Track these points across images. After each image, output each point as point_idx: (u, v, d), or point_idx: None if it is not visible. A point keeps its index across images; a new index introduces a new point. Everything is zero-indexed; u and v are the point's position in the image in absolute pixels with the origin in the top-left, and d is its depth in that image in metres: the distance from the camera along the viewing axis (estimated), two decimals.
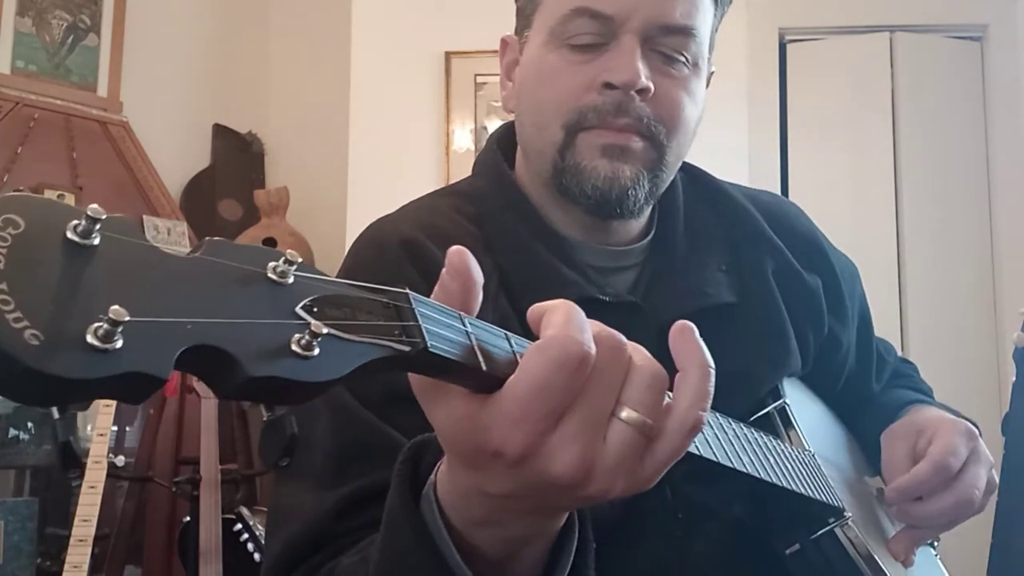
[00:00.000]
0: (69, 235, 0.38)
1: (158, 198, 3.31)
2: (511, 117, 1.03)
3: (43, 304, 0.35)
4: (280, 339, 0.41)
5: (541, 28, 0.95)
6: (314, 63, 3.77)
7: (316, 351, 0.42)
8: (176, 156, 3.52)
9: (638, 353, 0.53)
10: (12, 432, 2.93)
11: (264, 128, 3.82)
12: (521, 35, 0.99)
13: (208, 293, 0.40)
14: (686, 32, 0.91)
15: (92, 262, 0.38)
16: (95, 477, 2.41)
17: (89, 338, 0.35)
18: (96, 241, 0.38)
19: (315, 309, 0.43)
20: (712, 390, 0.55)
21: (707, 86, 1.00)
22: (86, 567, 2.33)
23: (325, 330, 0.42)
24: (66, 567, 2.33)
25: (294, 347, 0.41)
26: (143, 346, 0.36)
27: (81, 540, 2.34)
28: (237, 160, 3.70)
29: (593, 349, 0.50)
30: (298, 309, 0.43)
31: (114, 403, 2.53)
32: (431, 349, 0.47)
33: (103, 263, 0.38)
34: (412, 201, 1.04)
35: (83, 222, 0.38)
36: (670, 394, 0.55)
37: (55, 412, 0.45)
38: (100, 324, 0.36)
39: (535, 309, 0.53)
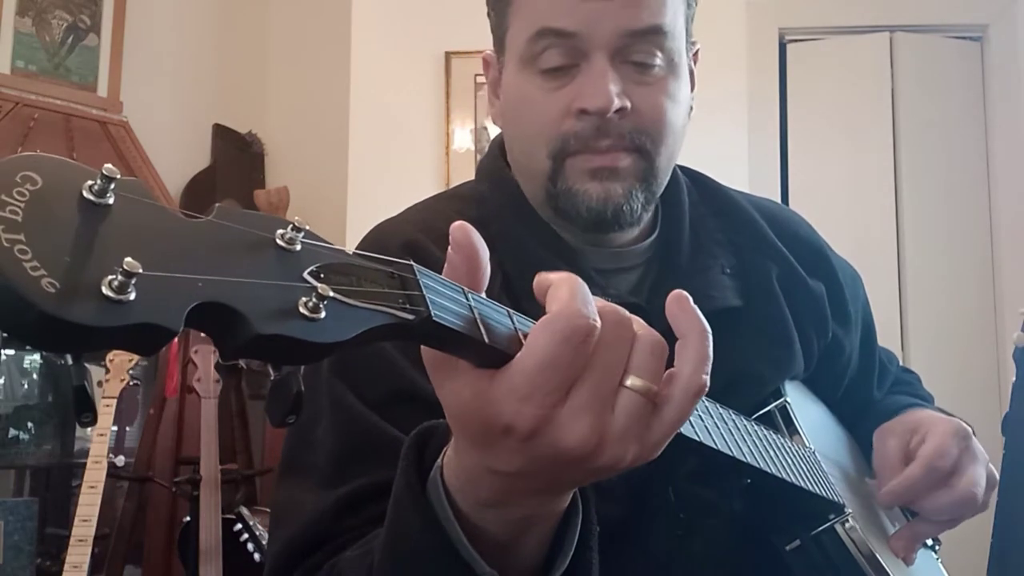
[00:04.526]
0: (85, 193, 0.39)
1: (158, 198, 3.30)
2: None
3: (59, 255, 0.37)
4: (288, 301, 0.42)
5: (513, 53, 0.94)
6: (314, 63, 3.76)
7: (322, 314, 0.43)
8: (176, 156, 3.51)
9: (637, 323, 0.55)
10: (12, 432, 2.94)
11: (264, 128, 3.82)
12: (499, 56, 0.98)
13: (219, 254, 0.42)
14: (657, 31, 0.89)
15: (107, 219, 0.39)
16: (95, 477, 2.41)
17: (104, 289, 0.37)
18: (111, 200, 0.40)
19: (322, 275, 0.45)
20: (711, 353, 0.56)
21: (695, 63, 1.00)
22: (86, 567, 2.32)
23: (331, 293, 0.43)
24: (66, 567, 2.33)
25: (301, 309, 0.42)
26: (156, 299, 0.38)
27: (81, 540, 2.34)
28: (237, 160, 3.70)
29: (599, 322, 0.52)
30: (305, 274, 0.44)
31: (114, 403, 2.53)
32: (434, 318, 0.47)
33: (118, 220, 0.40)
34: (414, 204, 1.05)
35: (98, 181, 0.39)
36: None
37: (69, 358, 0.46)
38: (114, 276, 0.37)
39: (541, 280, 0.54)
